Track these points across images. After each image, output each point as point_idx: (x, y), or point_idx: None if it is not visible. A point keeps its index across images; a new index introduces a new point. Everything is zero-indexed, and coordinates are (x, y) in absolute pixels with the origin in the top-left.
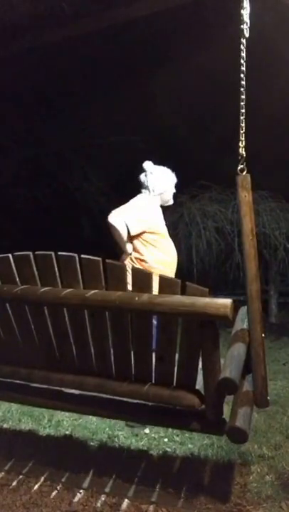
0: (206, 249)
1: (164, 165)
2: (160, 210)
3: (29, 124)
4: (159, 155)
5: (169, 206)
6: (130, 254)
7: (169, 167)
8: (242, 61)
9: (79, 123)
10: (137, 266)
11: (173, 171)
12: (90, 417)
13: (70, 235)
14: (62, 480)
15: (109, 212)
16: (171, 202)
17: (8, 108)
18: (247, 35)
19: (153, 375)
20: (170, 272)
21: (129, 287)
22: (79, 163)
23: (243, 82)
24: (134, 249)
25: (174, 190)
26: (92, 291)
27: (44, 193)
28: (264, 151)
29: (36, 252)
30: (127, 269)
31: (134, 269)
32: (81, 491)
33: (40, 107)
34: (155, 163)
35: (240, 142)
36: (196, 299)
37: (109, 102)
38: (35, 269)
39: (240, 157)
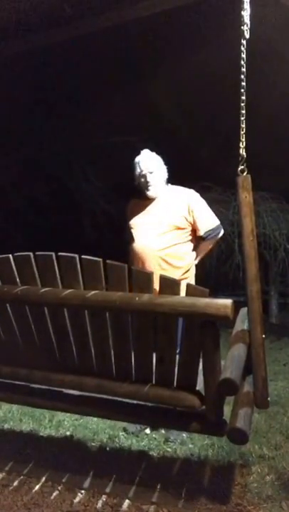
0: None
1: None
2: (138, 202)
3: (29, 124)
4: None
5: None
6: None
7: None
8: (242, 62)
9: (79, 123)
10: None
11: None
12: (91, 417)
13: (71, 236)
14: (63, 480)
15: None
16: (147, 192)
17: (8, 108)
18: (247, 36)
19: (153, 375)
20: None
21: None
22: (79, 164)
23: (244, 83)
24: None
25: (146, 179)
26: (93, 292)
27: (44, 193)
28: (265, 152)
29: (37, 253)
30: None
31: (132, 270)
32: (82, 491)
33: (40, 108)
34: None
35: (241, 143)
36: (197, 299)
37: (110, 103)
38: (35, 269)
39: (240, 158)
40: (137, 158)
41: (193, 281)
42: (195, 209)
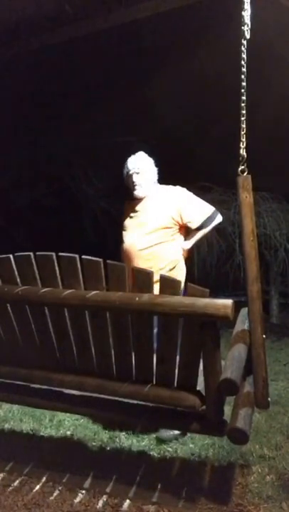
0: (207, 250)
1: (164, 166)
2: (130, 203)
3: (30, 125)
4: (160, 156)
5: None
6: None
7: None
8: (242, 62)
9: (79, 123)
10: None
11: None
12: (91, 417)
13: (72, 237)
14: (64, 480)
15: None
16: (134, 192)
17: (8, 109)
18: (248, 36)
19: (154, 375)
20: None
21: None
22: (80, 164)
23: (244, 84)
24: None
25: (131, 179)
26: (93, 292)
27: (45, 194)
28: (265, 152)
29: (37, 253)
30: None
31: (134, 269)
32: (83, 491)
33: (41, 108)
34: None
35: (241, 143)
36: (197, 299)
37: (110, 103)
38: (36, 269)
39: (241, 158)
40: (128, 159)
41: (181, 279)
42: (182, 206)
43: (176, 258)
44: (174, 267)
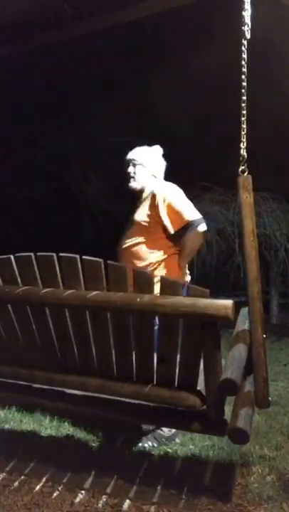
0: (206, 251)
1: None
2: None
3: (30, 125)
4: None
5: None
6: None
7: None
8: (243, 62)
9: (80, 124)
10: None
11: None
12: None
13: (72, 237)
14: (64, 481)
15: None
16: (128, 184)
17: (8, 109)
18: (248, 36)
19: (154, 375)
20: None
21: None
22: (80, 165)
23: (244, 84)
24: None
25: (127, 169)
26: (94, 292)
27: (44, 193)
28: (265, 152)
29: (38, 254)
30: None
31: (134, 270)
32: (82, 491)
33: (40, 108)
34: None
35: (242, 143)
36: (197, 299)
37: (110, 103)
38: (36, 270)
39: (241, 158)
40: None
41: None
42: (161, 205)
43: (157, 260)
44: (154, 269)
